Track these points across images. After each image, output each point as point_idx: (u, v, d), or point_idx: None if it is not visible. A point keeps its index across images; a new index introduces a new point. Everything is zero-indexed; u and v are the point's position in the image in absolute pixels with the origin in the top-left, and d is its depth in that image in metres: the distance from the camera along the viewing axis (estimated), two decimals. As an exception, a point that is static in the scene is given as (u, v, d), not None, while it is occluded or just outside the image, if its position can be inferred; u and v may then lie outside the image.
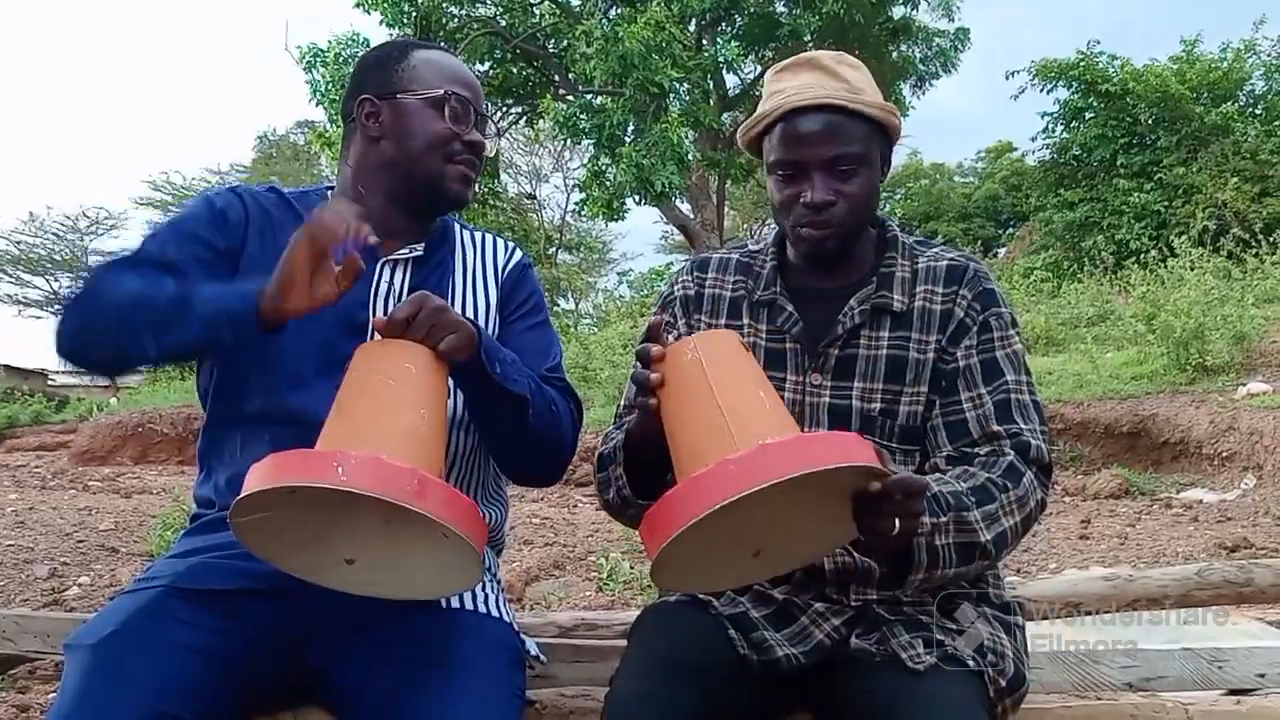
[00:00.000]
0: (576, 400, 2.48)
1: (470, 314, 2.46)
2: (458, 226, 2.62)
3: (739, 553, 1.96)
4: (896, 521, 1.88)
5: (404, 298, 2.35)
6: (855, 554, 2.29)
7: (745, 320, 2.47)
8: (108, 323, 2.11)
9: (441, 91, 2.38)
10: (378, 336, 2.04)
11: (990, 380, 2.31)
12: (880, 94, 2.38)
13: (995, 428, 2.27)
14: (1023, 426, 2.28)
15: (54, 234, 40.80)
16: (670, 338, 2.06)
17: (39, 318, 43.10)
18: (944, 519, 2.08)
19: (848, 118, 2.29)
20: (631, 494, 2.25)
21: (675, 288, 2.60)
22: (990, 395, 2.30)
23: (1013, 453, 2.25)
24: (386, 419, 1.88)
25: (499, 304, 2.53)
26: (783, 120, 2.33)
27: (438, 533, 1.76)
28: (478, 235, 2.63)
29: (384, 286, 2.40)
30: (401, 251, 2.43)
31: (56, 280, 41.94)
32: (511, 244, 2.67)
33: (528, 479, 2.54)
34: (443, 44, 2.57)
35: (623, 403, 2.51)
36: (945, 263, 2.42)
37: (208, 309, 2.07)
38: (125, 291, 2.11)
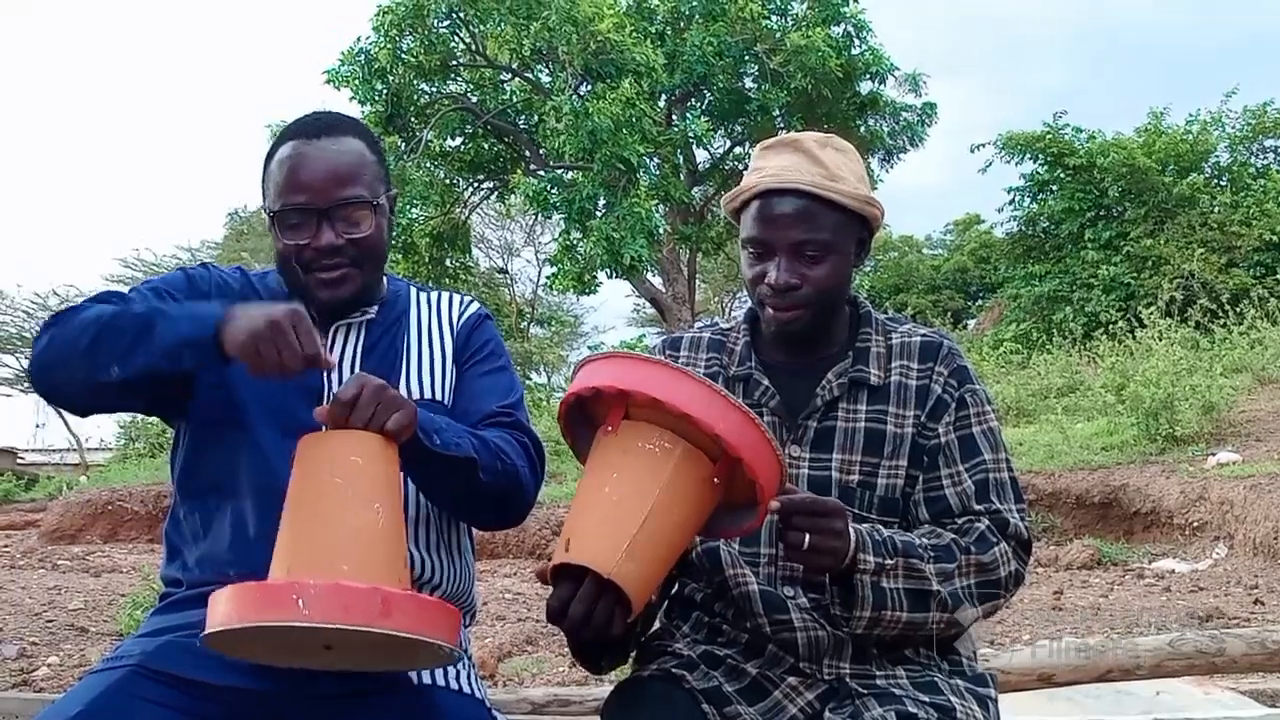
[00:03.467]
0: (532, 436, 2.43)
1: (427, 368, 2.45)
2: (413, 290, 2.60)
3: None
4: (807, 537, 2.03)
5: (359, 360, 2.37)
6: (828, 627, 2.30)
7: None
8: (75, 347, 2.11)
9: (272, 211, 2.33)
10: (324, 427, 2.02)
11: (968, 457, 2.35)
12: (865, 178, 2.40)
13: (976, 506, 2.31)
14: (1000, 506, 2.32)
15: (24, 312, 40.53)
16: None
17: (8, 395, 42.87)
18: (891, 561, 2.14)
19: (819, 204, 2.30)
20: None
21: None
22: (969, 473, 2.34)
23: (986, 523, 2.28)
24: (339, 523, 1.87)
25: (455, 353, 2.51)
26: (758, 199, 2.35)
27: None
28: (433, 295, 2.61)
29: (337, 350, 2.38)
30: (354, 316, 2.42)
31: (26, 358, 41.49)
32: (468, 298, 2.64)
33: (489, 526, 2.52)
34: (308, 128, 2.39)
35: None
36: (919, 339, 2.44)
37: (168, 337, 2.05)
38: (93, 315, 2.13)
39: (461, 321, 2.56)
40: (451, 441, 2.17)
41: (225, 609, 1.76)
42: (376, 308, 2.47)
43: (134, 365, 2.06)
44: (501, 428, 2.38)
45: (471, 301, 2.64)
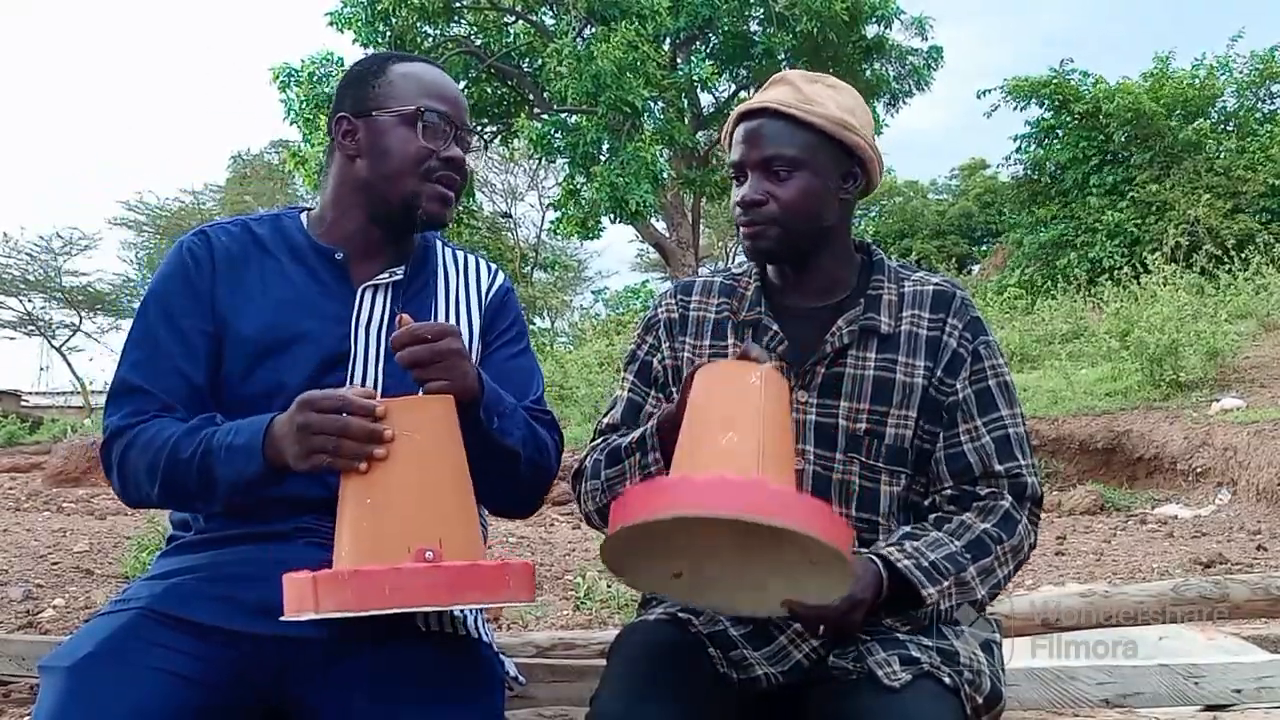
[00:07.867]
0: (559, 431, 2.46)
1: None
2: (440, 245, 2.57)
3: (693, 564, 2.04)
4: (820, 628, 2.09)
5: (386, 324, 2.35)
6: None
7: (730, 340, 2.47)
8: (150, 498, 2.25)
9: (415, 107, 2.31)
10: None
11: (986, 412, 2.37)
12: (855, 112, 2.39)
13: (996, 467, 2.33)
14: (1022, 464, 2.36)
15: (28, 254, 40.52)
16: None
17: (12, 338, 42.92)
18: (946, 583, 2.20)
19: (785, 122, 2.31)
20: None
21: (659, 310, 2.59)
22: (988, 429, 2.36)
23: (1010, 497, 2.33)
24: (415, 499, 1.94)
25: (482, 330, 2.50)
26: (735, 126, 2.40)
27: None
28: (460, 255, 2.58)
29: (365, 314, 2.35)
30: (382, 276, 2.38)
31: (30, 300, 41.75)
32: (494, 266, 2.63)
33: (499, 509, 2.52)
34: (426, 58, 2.49)
35: (607, 420, 2.54)
36: (931, 288, 2.44)
37: (226, 483, 2.13)
38: (145, 467, 2.21)
39: (490, 295, 2.56)
40: (508, 429, 2.20)
41: (305, 592, 1.86)
42: (403, 268, 2.43)
43: (210, 508, 2.24)
44: (540, 424, 2.40)
45: (498, 272, 2.63)
